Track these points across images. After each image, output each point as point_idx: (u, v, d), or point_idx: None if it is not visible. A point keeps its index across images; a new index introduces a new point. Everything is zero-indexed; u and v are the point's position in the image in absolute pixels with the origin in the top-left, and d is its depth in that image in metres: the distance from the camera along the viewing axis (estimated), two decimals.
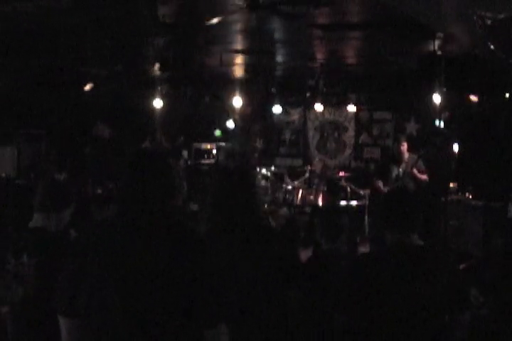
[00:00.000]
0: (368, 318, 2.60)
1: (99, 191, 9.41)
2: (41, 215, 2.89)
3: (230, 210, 2.64)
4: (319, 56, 8.76)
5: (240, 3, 5.42)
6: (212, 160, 11.22)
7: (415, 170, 7.61)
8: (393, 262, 2.62)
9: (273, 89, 10.67)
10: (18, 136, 10.12)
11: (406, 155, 7.82)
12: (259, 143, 11.65)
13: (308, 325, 3.27)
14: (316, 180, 9.27)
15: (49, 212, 2.87)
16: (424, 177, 7.67)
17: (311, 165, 9.79)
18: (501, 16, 5.14)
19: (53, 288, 2.04)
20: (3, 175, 9.18)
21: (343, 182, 9.18)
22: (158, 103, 9.54)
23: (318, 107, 10.36)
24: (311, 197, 8.94)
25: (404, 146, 7.82)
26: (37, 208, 2.91)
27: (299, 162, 11.51)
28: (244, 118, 11.31)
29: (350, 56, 8.79)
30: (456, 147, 9.21)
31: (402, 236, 2.64)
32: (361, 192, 9.09)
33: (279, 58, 9.10)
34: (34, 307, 2.71)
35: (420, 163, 7.72)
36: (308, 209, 8.74)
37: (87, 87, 9.56)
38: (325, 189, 8.95)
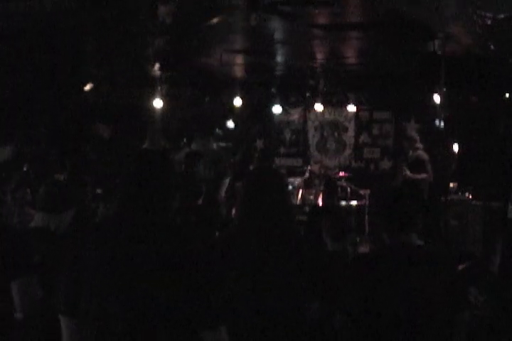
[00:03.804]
0: (367, 318, 2.60)
1: (99, 191, 9.39)
2: (43, 215, 2.89)
3: (263, 212, 2.58)
4: (319, 56, 8.76)
5: (240, 2, 5.43)
6: None
7: (409, 173, 7.73)
8: (392, 262, 2.62)
9: (273, 89, 10.66)
10: (18, 136, 10.11)
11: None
12: (259, 143, 11.64)
13: (309, 325, 3.27)
14: (316, 180, 9.27)
15: (51, 213, 2.88)
16: (423, 175, 7.73)
17: (310, 165, 9.79)
18: (501, 16, 5.16)
19: (54, 287, 2.04)
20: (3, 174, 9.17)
21: (343, 182, 9.17)
22: (158, 103, 9.53)
23: (318, 107, 10.35)
24: (311, 197, 8.94)
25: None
26: (39, 208, 2.92)
27: (299, 162, 11.50)
28: (244, 118, 11.30)
29: (350, 56, 8.79)
30: (456, 147, 9.21)
31: (401, 235, 2.65)
32: (361, 192, 9.09)
33: (279, 58, 9.10)
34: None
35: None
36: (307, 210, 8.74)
37: (87, 87, 9.55)
38: (322, 189, 8.95)
